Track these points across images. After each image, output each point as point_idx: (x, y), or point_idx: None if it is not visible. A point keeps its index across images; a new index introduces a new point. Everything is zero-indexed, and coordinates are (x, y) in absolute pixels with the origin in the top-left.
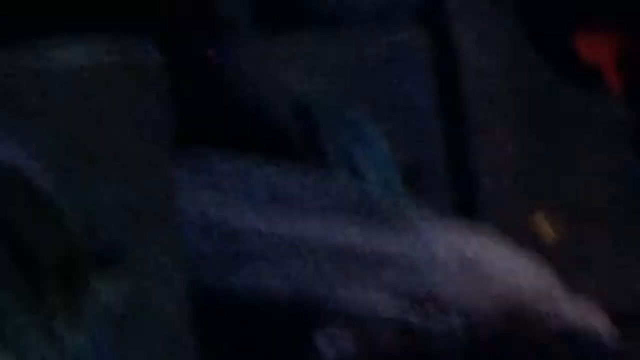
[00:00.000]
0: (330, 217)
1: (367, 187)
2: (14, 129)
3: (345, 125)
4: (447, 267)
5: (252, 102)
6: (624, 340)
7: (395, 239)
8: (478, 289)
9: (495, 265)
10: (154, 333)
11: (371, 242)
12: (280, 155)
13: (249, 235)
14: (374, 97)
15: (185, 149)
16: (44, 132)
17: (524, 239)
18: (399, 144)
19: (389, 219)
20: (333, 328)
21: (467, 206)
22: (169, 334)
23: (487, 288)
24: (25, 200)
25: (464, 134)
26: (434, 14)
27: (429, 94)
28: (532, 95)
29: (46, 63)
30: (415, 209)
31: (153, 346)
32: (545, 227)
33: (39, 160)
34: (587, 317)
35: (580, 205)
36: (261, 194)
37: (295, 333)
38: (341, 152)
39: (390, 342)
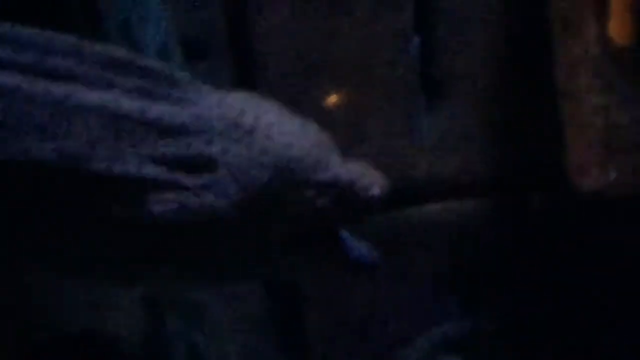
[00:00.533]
0: (104, 86)
1: (142, 57)
2: None
3: None
4: (223, 134)
5: None
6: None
7: (171, 108)
8: (254, 155)
9: (272, 133)
10: None
11: (146, 111)
12: (57, 24)
13: (14, 97)
14: None
15: None
16: None
17: (304, 108)
18: (181, 15)
19: (165, 89)
20: (104, 197)
21: (247, 78)
22: None
23: (263, 155)
24: None
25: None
26: None
27: None
28: None
29: None
30: (193, 80)
31: None
32: (325, 97)
33: None
34: (358, 173)
35: (358, 75)
36: (30, 58)
37: (65, 201)
38: (119, 23)
39: (163, 208)
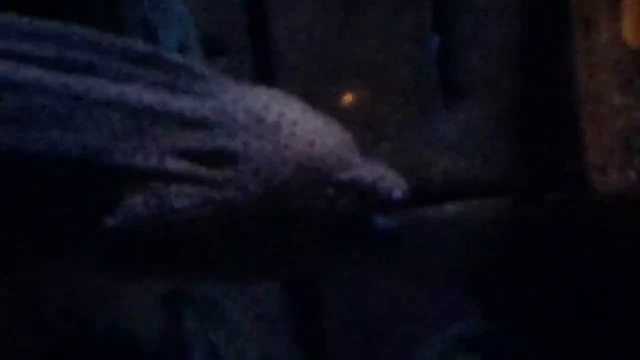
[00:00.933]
0: (124, 79)
1: (164, 52)
2: None
3: None
4: (246, 129)
5: None
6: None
7: (192, 101)
8: (277, 151)
9: (295, 130)
10: None
11: (167, 105)
12: (79, 22)
13: (35, 91)
14: None
15: None
16: None
17: (322, 106)
18: (201, 10)
19: (187, 83)
20: (125, 190)
21: (266, 75)
22: None
23: (285, 151)
24: None
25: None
26: None
27: None
28: None
29: None
30: (215, 73)
31: None
32: (343, 96)
33: None
34: (380, 174)
35: (377, 74)
36: (51, 52)
37: (86, 194)
38: (139, 17)
39: (184, 202)
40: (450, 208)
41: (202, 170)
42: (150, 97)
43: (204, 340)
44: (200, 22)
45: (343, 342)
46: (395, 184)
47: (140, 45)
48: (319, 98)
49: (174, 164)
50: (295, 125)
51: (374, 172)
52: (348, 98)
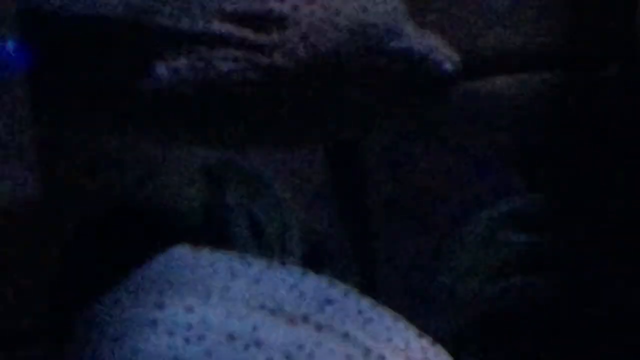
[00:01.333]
0: None
1: None
2: None
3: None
4: None
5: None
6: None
7: None
8: (328, 16)
9: None
10: None
11: None
12: None
13: None
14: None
15: None
16: None
17: None
18: None
19: None
20: (170, 52)
21: None
22: None
23: (336, 16)
24: None
25: None
26: None
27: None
28: None
29: None
30: None
31: None
32: None
33: None
34: (432, 46)
35: None
36: None
37: (133, 55)
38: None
39: (230, 66)
40: (502, 81)
41: (249, 34)
42: None
43: (246, 213)
44: None
45: (388, 215)
46: (447, 57)
47: None
48: None
49: (220, 27)
50: None
51: (427, 43)
52: None
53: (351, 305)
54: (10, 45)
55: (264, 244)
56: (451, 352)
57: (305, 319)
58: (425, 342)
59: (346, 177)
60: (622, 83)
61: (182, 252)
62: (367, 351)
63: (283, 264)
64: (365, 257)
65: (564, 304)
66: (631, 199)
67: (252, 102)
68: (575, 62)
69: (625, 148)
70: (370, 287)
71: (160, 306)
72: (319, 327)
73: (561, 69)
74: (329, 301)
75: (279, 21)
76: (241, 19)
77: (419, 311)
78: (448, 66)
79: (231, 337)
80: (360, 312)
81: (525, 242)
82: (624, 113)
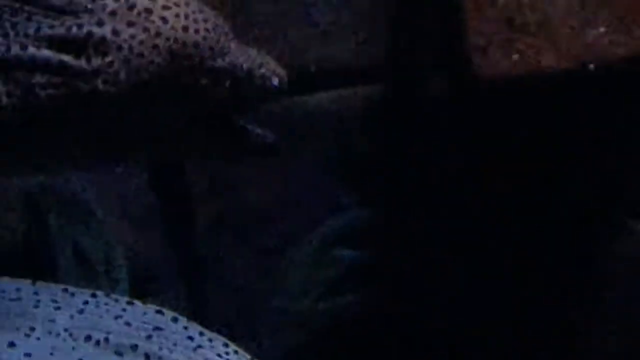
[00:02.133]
0: None
1: None
2: None
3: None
4: (116, 15)
5: None
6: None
7: None
8: (148, 38)
9: (168, 15)
10: None
11: None
12: None
13: None
14: None
15: None
16: None
17: None
18: None
19: None
20: None
21: None
22: None
23: (157, 38)
24: None
25: None
26: None
27: None
28: None
29: None
30: None
31: None
32: None
33: None
34: (257, 62)
35: None
36: None
37: None
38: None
39: (50, 92)
40: (325, 96)
41: (70, 60)
42: None
43: (69, 240)
44: None
45: (214, 241)
46: (273, 72)
47: None
48: None
49: (37, 53)
50: (168, 11)
51: (251, 59)
52: None
53: (180, 332)
54: None
55: (89, 271)
56: None
57: (134, 348)
58: None
59: (172, 199)
60: (448, 97)
61: (1, 285)
62: None
63: (108, 294)
64: (195, 280)
65: (395, 317)
66: (455, 213)
67: (73, 127)
68: (399, 77)
69: (449, 158)
70: (200, 311)
71: None
72: (147, 357)
73: (384, 84)
74: (156, 329)
75: (100, 46)
76: (60, 43)
77: (251, 333)
78: (275, 81)
79: None
80: (189, 338)
81: (356, 257)
82: (449, 127)
